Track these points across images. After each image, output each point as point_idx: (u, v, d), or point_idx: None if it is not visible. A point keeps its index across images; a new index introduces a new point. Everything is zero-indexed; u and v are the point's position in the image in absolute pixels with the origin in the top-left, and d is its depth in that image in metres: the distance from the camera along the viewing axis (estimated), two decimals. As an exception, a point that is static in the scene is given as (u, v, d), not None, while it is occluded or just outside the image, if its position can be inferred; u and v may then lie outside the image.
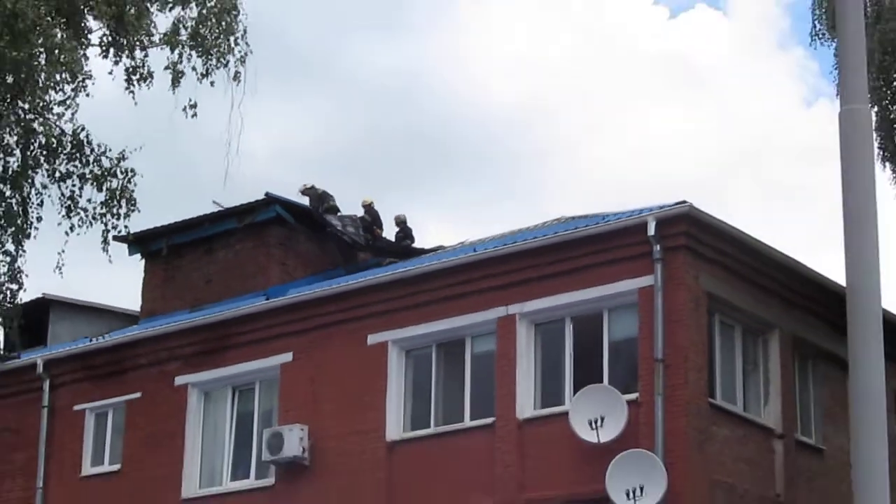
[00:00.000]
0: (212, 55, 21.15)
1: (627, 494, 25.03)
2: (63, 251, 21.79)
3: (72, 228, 21.74)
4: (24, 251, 21.70)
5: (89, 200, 21.67)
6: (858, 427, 9.07)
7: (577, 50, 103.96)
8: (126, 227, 22.24)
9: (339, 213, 35.85)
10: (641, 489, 24.98)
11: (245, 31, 21.33)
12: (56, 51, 20.47)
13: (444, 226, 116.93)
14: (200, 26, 21.08)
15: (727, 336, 27.49)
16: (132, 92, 20.86)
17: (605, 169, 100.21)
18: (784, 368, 28.11)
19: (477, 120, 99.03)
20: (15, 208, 21.53)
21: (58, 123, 21.36)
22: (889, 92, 29.69)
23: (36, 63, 20.35)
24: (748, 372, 27.85)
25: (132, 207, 21.83)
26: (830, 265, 26.55)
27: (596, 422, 25.77)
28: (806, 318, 27.96)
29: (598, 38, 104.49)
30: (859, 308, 9.11)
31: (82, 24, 20.79)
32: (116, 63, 21.07)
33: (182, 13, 21.11)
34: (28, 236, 21.75)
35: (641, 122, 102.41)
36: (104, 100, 21.73)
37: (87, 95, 21.21)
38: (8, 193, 21.53)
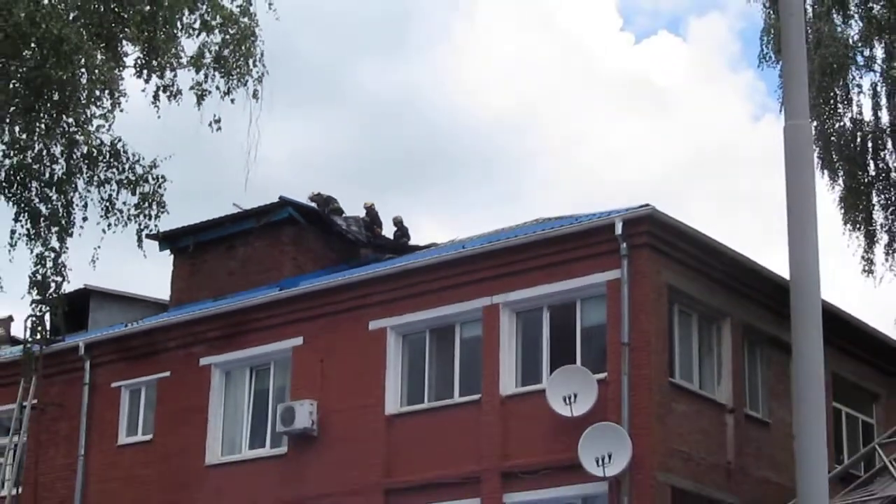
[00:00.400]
0: (233, 76, 21.10)
1: (597, 461, 25.06)
2: (99, 247, 21.73)
3: (109, 227, 21.65)
4: (66, 248, 21.61)
5: (125, 203, 21.57)
6: (800, 403, 9.08)
7: (558, 69, 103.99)
8: (157, 226, 22.15)
9: (343, 215, 35.99)
10: (609, 457, 25.02)
11: (262, 55, 21.27)
12: (96, 71, 20.41)
13: (436, 225, 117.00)
14: (223, 50, 21.03)
15: (685, 323, 27.52)
16: (157, 107, 20.78)
17: (581, 173, 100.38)
18: (735, 352, 28.13)
19: (467, 130, 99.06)
20: (59, 210, 21.46)
21: (97, 135, 21.27)
22: (827, 109, 29.71)
23: (78, 82, 20.28)
24: (703, 354, 27.87)
25: (162, 209, 21.74)
26: (776, 261, 26.61)
27: (569, 398, 25.80)
28: (754, 307, 27.98)
29: (575, 59, 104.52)
30: (801, 299, 9.14)
31: (119, 48, 20.72)
32: (147, 81, 21.01)
33: (207, 39, 21.04)
34: (70, 234, 21.64)
35: (612, 134, 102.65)
36: (137, 113, 21.71)
37: (122, 111, 21.18)
38: (53, 197, 21.44)
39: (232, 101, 21.08)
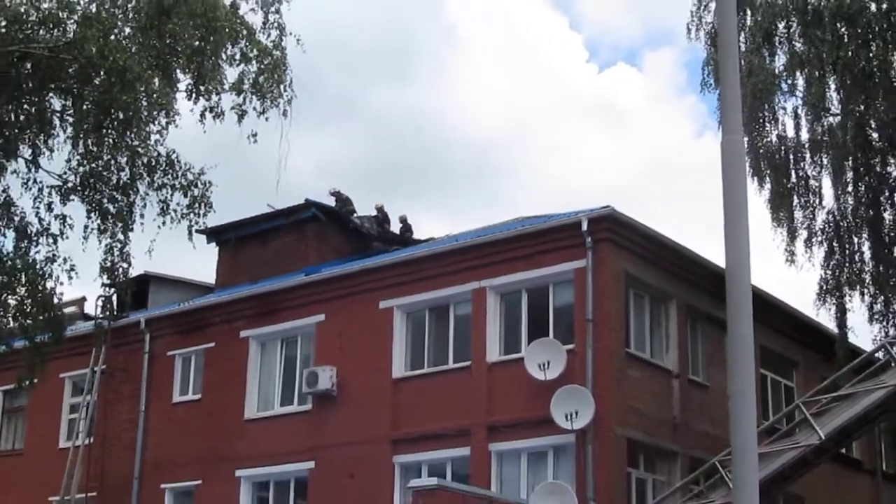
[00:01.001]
0: (267, 99, 21.08)
1: (566, 417, 25.03)
2: (156, 240, 21.74)
3: (164, 223, 21.67)
4: (130, 240, 21.65)
5: (178, 204, 21.60)
6: (733, 369, 9.08)
7: (536, 94, 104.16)
8: (205, 223, 22.21)
9: (357, 214, 36.05)
10: (576, 413, 25.00)
11: (291, 81, 21.27)
12: (154, 95, 20.42)
13: (435, 222, 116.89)
14: (259, 78, 21.01)
15: (639, 304, 27.49)
16: (204, 124, 20.77)
17: (554, 180, 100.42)
18: (680, 327, 28.12)
19: (461, 144, 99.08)
20: (124, 209, 21.47)
21: (155, 148, 21.30)
22: (757, 127, 29.69)
23: (140, 104, 20.27)
24: (653, 330, 27.85)
25: (209, 209, 21.78)
26: (715, 252, 26.65)
27: (543, 365, 25.79)
28: (696, 291, 27.95)
29: (550, 85, 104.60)
30: (735, 284, 9.14)
31: (173, 76, 20.73)
32: (196, 103, 20.98)
33: (245, 68, 21.05)
34: (132, 229, 21.67)
35: (580, 147, 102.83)
36: (188, 129, 21.71)
37: (176, 127, 21.18)
38: (119, 198, 21.44)
39: (266, 119, 21.11)
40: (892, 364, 19.76)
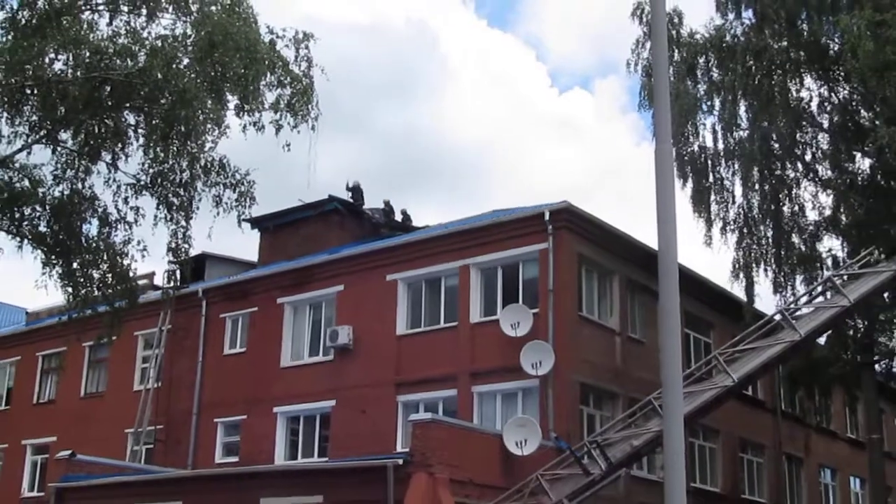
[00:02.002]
0: (298, 116, 20.95)
1: (532, 366, 25.04)
2: (212, 227, 21.67)
3: (218, 214, 21.59)
4: (190, 227, 21.57)
5: (228, 198, 21.51)
6: (663, 329, 9.07)
7: (511, 112, 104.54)
8: (249, 213, 22.11)
9: (369, 207, 36.08)
10: (540, 363, 25.01)
11: (317, 102, 21.12)
12: (208, 112, 20.32)
13: (429, 213, 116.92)
14: (292, 99, 20.90)
15: (589, 277, 27.48)
16: (246, 134, 20.71)
17: (524, 180, 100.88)
18: (621, 296, 28.13)
19: (451, 152, 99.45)
20: (185, 202, 21.41)
21: (210, 154, 21.21)
22: (683, 139, 29.65)
23: (197, 119, 20.17)
24: (601, 298, 27.84)
25: (253, 202, 21.69)
26: (649, 236, 26.67)
27: (515, 325, 25.79)
28: (634, 267, 27.93)
29: (521, 105, 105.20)
30: (665, 262, 9.12)
31: (223, 97, 20.61)
32: (242, 119, 20.91)
33: (281, 92, 20.91)
34: (192, 218, 21.60)
35: (545, 154, 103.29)
36: (236, 139, 21.62)
37: (227, 137, 21.11)
38: (181, 194, 21.38)
39: (298, 131, 21.01)
40: (787, 326, 19.79)
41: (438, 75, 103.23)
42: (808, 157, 29.81)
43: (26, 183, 20.88)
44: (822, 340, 29.01)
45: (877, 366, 29.85)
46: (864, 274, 22.05)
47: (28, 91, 19.84)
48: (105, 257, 21.60)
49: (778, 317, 21.89)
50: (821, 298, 22.32)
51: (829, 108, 29.32)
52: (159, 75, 19.56)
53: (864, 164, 28.72)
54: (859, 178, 28.55)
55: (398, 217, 36.45)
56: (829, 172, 29.37)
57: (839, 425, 39.88)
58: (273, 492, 23.65)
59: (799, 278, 29.29)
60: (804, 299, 23.22)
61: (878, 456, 29.15)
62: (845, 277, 22.62)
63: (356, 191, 36.02)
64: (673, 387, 8.88)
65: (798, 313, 21.25)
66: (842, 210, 28.32)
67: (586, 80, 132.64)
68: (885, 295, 25.81)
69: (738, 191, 30.03)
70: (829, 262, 29.33)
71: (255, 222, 35.07)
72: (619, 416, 25.14)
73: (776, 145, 29.29)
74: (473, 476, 21.48)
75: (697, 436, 30.42)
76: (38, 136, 20.57)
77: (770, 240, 29.62)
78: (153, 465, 31.35)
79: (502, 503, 16.74)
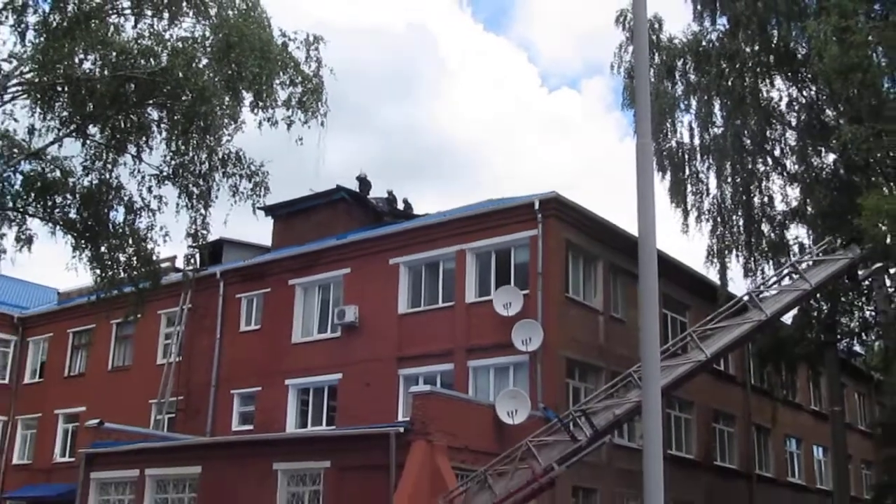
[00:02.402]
0: (308, 112, 20.87)
1: (522, 342, 25.10)
2: (229, 214, 21.69)
3: (234, 202, 21.53)
4: (209, 214, 21.52)
5: (244, 187, 21.43)
6: (643, 309, 9.06)
7: (505, 109, 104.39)
8: (264, 202, 22.05)
9: (373, 196, 36.06)
10: (530, 339, 25.08)
11: (326, 99, 21.02)
12: (225, 108, 20.27)
13: (429, 202, 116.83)
14: (303, 97, 20.81)
15: (576, 262, 27.49)
16: (261, 129, 20.62)
17: (517, 172, 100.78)
18: (605, 279, 28.14)
19: (450, 146, 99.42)
20: (204, 191, 21.35)
21: (227, 147, 21.16)
22: (662, 135, 29.64)
23: (215, 114, 20.11)
24: (586, 280, 27.85)
25: (266, 191, 21.60)
26: (630, 224, 26.64)
27: (507, 304, 25.84)
28: (617, 252, 27.92)
29: (514, 103, 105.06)
30: (645, 247, 9.11)
31: (239, 94, 20.51)
32: (257, 115, 20.81)
33: (293, 90, 20.81)
34: (211, 206, 21.55)
35: (536, 148, 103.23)
36: (251, 133, 21.58)
37: (242, 132, 21.04)
38: (201, 184, 21.32)
39: (308, 127, 20.92)
40: (754, 307, 19.82)
41: (437, 75, 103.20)
42: (777, 153, 29.81)
43: (58, 173, 20.86)
44: (789, 321, 29.08)
45: (839, 344, 29.89)
46: (825, 261, 22.06)
47: (59, 89, 19.79)
48: (130, 242, 21.58)
49: (746, 298, 21.87)
50: (787, 281, 22.29)
51: (796, 108, 29.29)
52: (180, 74, 19.49)
53: (828, 159, 28.71)
54: (824, 173, 28.52)
55: (400, 205, 36.49)
56: (797, 167, 29.34)
57: (804, 398, 39.96)
58: (285, 457, 23.72)
59: (768, 264, 29.30)
60: (771, 283, 23.18)
61: (839, 427, 29.27)
62: (809, 263, 22.59)
63: (363, 181, 36.14)
64: (651, 362, 8.90)
65: (765, 295, 21.21)
66: (807, 201, 28.27)
67: (574, 80, 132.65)
68: (845, 279, 25.83)
69: (713, 183, 30.05)
70: (796, 248, 29.33)
71: (269, 210, 35.05)
72: (601, 388, 25.23)
73: (748, 141, 29.25)
74: (468, 443, 21.55)
75: (674, 407, 30.49)
76: (68, 130, 20.51)
77: (741, 228, 29.63)
78: (175, 432, 31.41)
79: (495, 467, 16.82)
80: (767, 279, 24.08)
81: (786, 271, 22.79)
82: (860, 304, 29.13)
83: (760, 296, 21.52)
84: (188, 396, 33.14)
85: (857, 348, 35.54)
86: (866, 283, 27.65)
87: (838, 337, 29.20)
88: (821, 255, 22.43)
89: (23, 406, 39.49)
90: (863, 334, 30.61)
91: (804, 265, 21.87)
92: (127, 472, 27.24)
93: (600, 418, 19.51)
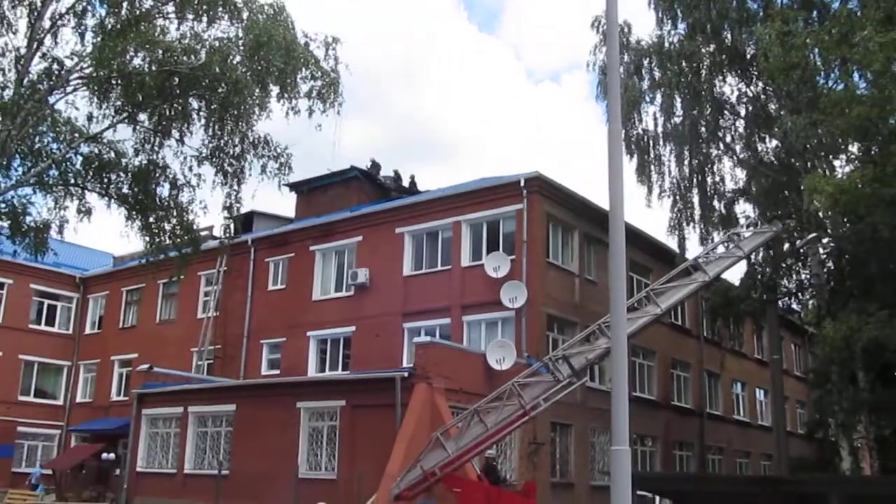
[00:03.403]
0: (327, 103, 20.76)
1: (509, 300, 25.21)
2: (257, 189, 21.78)
3: (263, 179, 21.48)
4: (241, 190, 21.48)
5: (272, 167, 21.36)
6: (612, 272, 9.11)
7: (496, 99, 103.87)
8: (288, 179, 21.99)
9: (382, 175, 35.97)
10: (516, 298, 25.19)
11: (342, 91, 20.95)
12: (255, 98, 20.18)
13: (431, 180, 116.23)
14: (322, 89, 20.70)
15: (555, 232, 27.52)
16: (287, 117, 20.53)
17: (506, 154, 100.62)
18: (580, 246, 28.20)
19: (450, 130, 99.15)
20: (238, 171, 21.28)
21: (256, 132, 21.09)
22: (630, 123, 29.46)
23: (246, 103, 20.04)
24: (564, 247, 27.90)
25: (290, 171, 21.50)
26: (602, 199, 26.63)
27: (496, 268, 25.90)
28: (591, 223, 27.98)
29: (503, 96, 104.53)
30: (614, 219, 9.15)
31: (267, 87, 20.41)
32: (281, 104, 20.73)
33: (313, 83, 20.68)
34: (243, 183, 21.49)
35: (523, 134, 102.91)
36: (277, 120, 21.50)
37: (269, 119, 20.94)
38: (235, 164, 21.24)
39: (326, 115, 20.84)
40: (700, 270, 19.89)
41: (437, 70, 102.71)
42: (727, 139, 29.68)
43: (112, 154, 20.81)
44: (736, 283, 29.16)
45: (779, 303, 29.96)
46: (756, 233, 22.25)
47: (113, 82, 19.66)
48: (174, 214, 21.54)
49: (692, 263, 21.85)
50: (722, 249, 22.19)
51: (745, 100, 29.14)
52: (217, 69, 19.40)
53: (771, 145, 28.63)
54: (767, 157, 28.49)
55: (406, 183, 36.41)
56: (744, 152, 29.29)
57: (748, 348, 40.15)
58: (307, 397, 23.88)
59: (719, 234, 29.26)
60: (712, 249, 23.07)
61: (777, 372, 29.42)
62: (745, 235, 22.52)
63: (374, 164, 36.08)
64: (618, 314, 8.97)
65: (708, 260, 21.24)
66: (752, 182, 28.24)
67: (555, 74, 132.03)
68: (769, 249, 25.97)
69: (673, 165, 29.92)
70: (743, 221, 29.35)
71: (293, 186, 35.06)
72: (576, 337, 25.39)
73: (703, 129, 29.13)
74: (463, 386, 21.71)
75: (638, 356, 30.65)
76: (121, 118, 20.43)
77: (697, 204, 29.57)
78: (212, 376, 31.59)
79: (485, 405, 16.97)
80: (709, 247, 24.00)
81: (725, 240, 22.69)
82: (797, 268, 29.16)
83: (705, 261, 21.47)
84: (224, 345, 33.28)
85: (794, 306, 35.61)
86: (802, 250, 27.73)
87: (778, 296, 29.24)
88: (755, 228, 22.47)
89: (84, 353, 39.70)
90: (799, 294, 30.60)
91: (739, 236, 21.95)
92: (172, 409, 27.45)
93: (575, 361, 19.62)
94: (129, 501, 26.89)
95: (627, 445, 8.32)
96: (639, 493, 17.67)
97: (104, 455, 31.96)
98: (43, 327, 39.79)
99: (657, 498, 21.09)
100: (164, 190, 21.53)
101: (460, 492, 14.74)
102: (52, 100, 19.82)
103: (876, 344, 20.96)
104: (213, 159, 21.20)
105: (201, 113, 20.90)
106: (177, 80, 19.80)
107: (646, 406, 30.13)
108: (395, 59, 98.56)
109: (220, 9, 19.72)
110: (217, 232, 34.98)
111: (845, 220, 22.80)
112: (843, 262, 27.00)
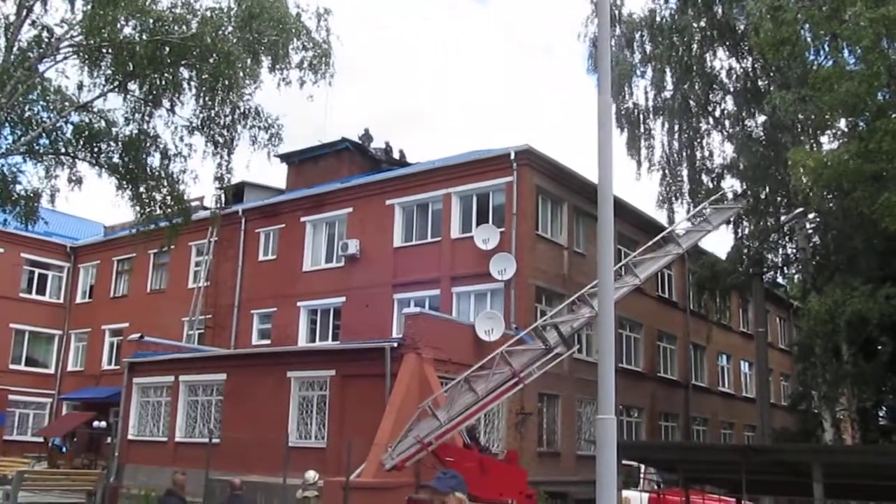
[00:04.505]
0: (318, 74, 20.71)
1: (498, 272, 25.29)
2: (249, 160, 21.57)
3: (253, 150, 21.45)
4: (232, 160, 21.44)
5: (262, 138, 21.31)
6: (600, 245, 9.12)
7: (491, 70, 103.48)
8: (278, 150, 21.96)
9: (374, 146, 35.86)
10: (505, 270, 25.26)
11: (333, 63, 20.88)
12: (247, 69, 20.09)
13: (421, 152, 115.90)
14: (314, 61, 20.61)
15: (545, 205, 27.53)
16: (278, 88, 20.47)
17: (497, 129, 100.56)
18: (569, 219, 28.23)
19: (443, 103, 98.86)
20: (228, 141, 21.25)
21: (247, 103, 21.00)
22: (621, 96, 29.47)
23: (237, 74, 19.94)
24: (553, 220, 27.92)
25: (281, 141, 21.48)
26: (591, 172, 26.64)
27: (486, 240, 25.94)
28: (579, 196, 28.02)
29: (500, 69, 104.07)
30: (603, 192, 9.12)
31: (259, 58, 20.31)
32: (273, 75, 20.65)
33: (305, 54, 20.61)
34: (233, 153, 21.45)
35: (519, 104, 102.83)
36: (269, 91, 21.39)
37: (260, 90, 20.91)
38: (225, 134, 21.20)
39: (318, 86, 20.80)
40: (674, 242, 20.03)
41: (432, 43, 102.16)
42: (717, 114, 29.74)
43: (103, 123, 20.73)
44: (723, 256, 29.32)
45: (764, 277, 30.18)
46: (722, 209, 22.51)
47: (104, 50, 19.53)
48: (165, 183, 21.51)
49: (667, 236, 21.98)
50: (700, 223, 22.29)
51: (734, 76, 29.18)
52: (208, 39, 19.29)
53: (759, 120, 28.70)
54: (756, 132, 28.55)
55: (396, 155, 36.31)
56: (733, 127, 29.34)
57: (734, 321, 40.47)
58: (297, 367, 23.98)
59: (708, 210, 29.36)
60: (683, 223, 23.16)
61: (762, 345, 29.68)
62: (707, 213, 22.56)
63: (367, 134, 35.98)
64: (606, 284, 9.00)
65: (681, 233, 21.39)
66: (740, 157, 28.34)
67: (548, 48, 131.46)
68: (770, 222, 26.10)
69: (663, 139, 30.02)
70: (731, 195, 29.44)
71: (284, 157, 34.95)
72: (563, 305, 25.55)
73: (693, 104, 29.19)
74: (452, 356, 21.80)
75: (625, 328, 30.85)
76: (111, 87, 20.32)
77: (686, 178, 29.69)
78: (203, 345, 31.65)
79: (473, 373, 17.05)
80: (677, 223, 24.07)
81: (696, 215, 22.79)
82: (783, 243, 29.35)
83: (679, 234, 21.64)
84: (215, 315, 33.31)
85: (780, 280, 35.88)
86: (788, 225, 27.87)
87: (764, 270, 29.45)
88: (718, 206, 22.60)
89: (75, 322, 39.67)
90: (784, 268, 30.84)
91: (708, 211, 22.14)
92: (163, 378, 27.52)
93: (562, 329, 19.77)
94: (120, 469, 27.03)
95: (613, 414, 8.39)
96: (624, 462, 17.90)
97: (95, 423, 32.07)
98: (34, 296, 39.73)
99: (642, 466, 21.33)
100: (154, 160, 21.50)
101: (452, 460, 14.87)
102: (42, 68, 19.71)
103: (859, 317, 21.19)
104: (204, 129, 21.14)
105: (192, 83, 20.80)
106: (168, 49, 19.66)
107: (632, 377, 30.37)
108: (388, 34, 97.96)
109: (212, -22, 19.59)
110: (208, 202, 34.96)
111: (828, 194, 22.94)
112: (828, 237, 27.19)
